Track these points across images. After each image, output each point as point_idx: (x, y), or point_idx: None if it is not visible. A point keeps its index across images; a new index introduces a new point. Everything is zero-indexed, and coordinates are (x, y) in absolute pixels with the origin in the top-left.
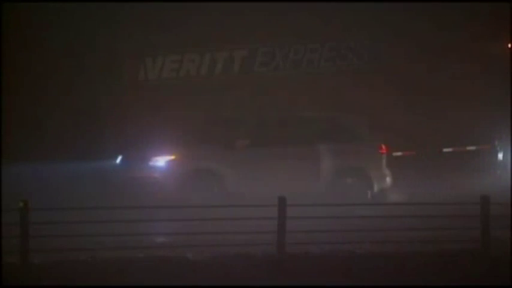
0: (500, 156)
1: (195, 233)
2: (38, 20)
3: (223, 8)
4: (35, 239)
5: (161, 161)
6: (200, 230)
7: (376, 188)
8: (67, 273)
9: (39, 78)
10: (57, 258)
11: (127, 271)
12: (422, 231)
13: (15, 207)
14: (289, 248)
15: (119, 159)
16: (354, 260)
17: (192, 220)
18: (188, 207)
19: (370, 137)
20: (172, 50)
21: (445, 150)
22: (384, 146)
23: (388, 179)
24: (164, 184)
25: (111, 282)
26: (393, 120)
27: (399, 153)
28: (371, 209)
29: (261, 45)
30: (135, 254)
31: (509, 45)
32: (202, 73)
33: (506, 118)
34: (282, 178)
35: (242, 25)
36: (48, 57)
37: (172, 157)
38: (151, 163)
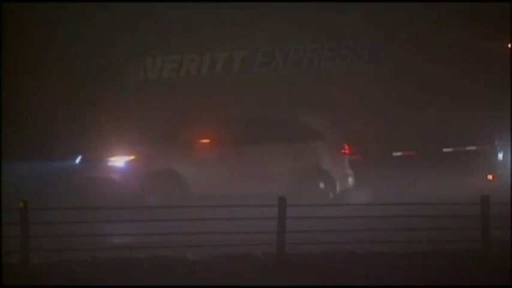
0: (500, 156)
1: (195, 233)
2: (38, 20)
3: (223, 8)
4: (35, 239)
5: (120, 161)
6: (200, 230)
7: (338, 188)
8: (67, 273)
9: (39, 78)
10: (57, 258)
11: (127, 271)
12: (422, 231)
13: (14, 207)
14: (289, 248)
15: (78, 160)
16: (354, 260)
17: (192, 220)
18: (188, 208)
19: (332, 137)
20: (172, 50)
21: (445, 150)
22: (346, 146)
23: (351, 179)
24: (123, 185)
25: (111, 282)
26: (392, 121)
27: (399, 153)
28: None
29: (261, 45)
30: (135, 254)
31: (509, 45)
32: (202, 73)
33: (506, 118)
34: (244, 178)
35: (242, 25)
36: (48, 57)
37: (132, 157)
38: (110, 163)
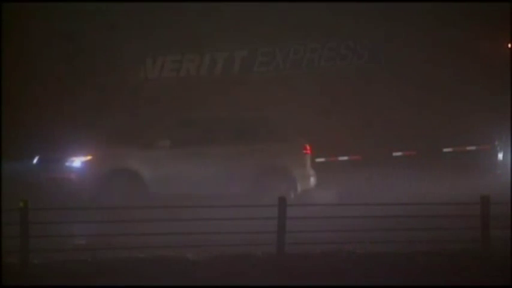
0: (500, 156)
1: (195, 233)
2: (38, 20)
3: (223, 8)
4: (35, 239)
5: (77, 161)
6: (200, 230)
7: (299, 188)
8: (67, 273)
9: (39, 79)
10: (57, 258)
11: (127, 271)
12: (422, 231)
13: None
14: (289, 248)
15: (35, 160)
16: (354, 260)
17: (192, 220)
18: (187, 207)
19: (294, 137)
20: (172, 50)
21: (445, 150)
22: (308, 146)
23: (313, 180)
24: (80, 185)
25: (111, 282)
26: (392, 120)
27: (399, 153)
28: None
29: (261, 45)
30: (135, 254)
31: (509, 45)
32: (202, 73)
33: (506, 118)
34: (203, 178)
35: (242, 25)
36: (48, 57)
37: (89, 157)
38: (67, 163)
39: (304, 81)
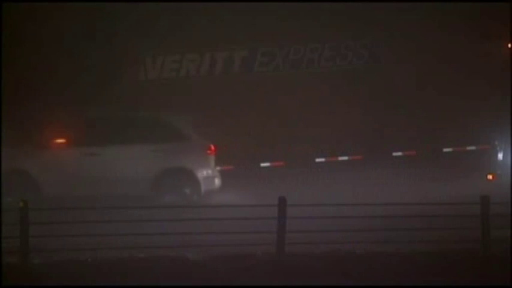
0: (500, 156)
1: (195, 233)
2: (38, 20)
3: (224, 8)
4: (35, 239)
5: None
6: (200, 230)
7: (203, 189)
8: (67, 273)
9: (39, 78)
10: (57, 258)
11: (127, 271)
12: (423, 231)
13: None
14: (289, 248)
15: None
16: (354, 260)
17: (192, 220)
18: (187, 208)
19: (197, 137)
20: (172, 50)
21: (445, 150)
22: (212, 147)
23: (217, 181)
24: None
25: (111, 282)
26: (392, 120)
27: (399, 153)
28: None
29: (261, 45)
30: (135, 254)
31: (509, 45)
32: (202, 73)
33: (506, 118)
34: (99, 179)
35: (242, 25)
36: (48, 57)
37: None
38: None
39: (304, 81)
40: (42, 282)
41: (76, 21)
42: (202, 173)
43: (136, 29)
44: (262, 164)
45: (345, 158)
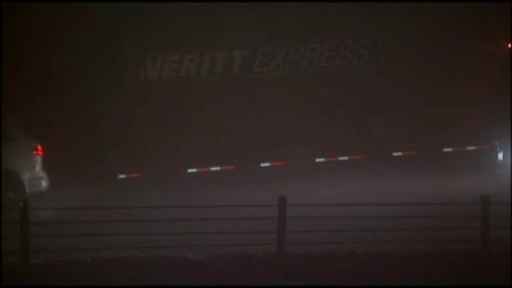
0: (500, 156)
1: (195, 233)
2: (38, 20)
3: (223, 8)
4: (35, 239)
5: None
6: (200, 230)
7: (28, 191)
8: (67, 273)
9: (39, 78)
10: (57, 258)
11: (127, 271)
12: (423, 231)
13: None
14: (289, 248)
15: None
16: (354, 260)
17: (192, 220)
18: (187, 207)
19: (23, 138)
20: (172, 50)
21: (445, 150)
22: (39, 147)
23: (44, 182)
24: None
25: (111, 282)
26: (392, 120)
27: (399, 153)
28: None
29: (261, 45)
30: (135, 254)
31: (509, 45)
32: (202, 73)
33: (506, 118)
34: None
35: (242, 25)
36: (48, 58)
37: None
38: None
39: (304, 81)
40: (42, 282)
41: (76, 21)
42: (28, 175)
43: (136, 29)
44: (263, 164)
45: (345, 158)
